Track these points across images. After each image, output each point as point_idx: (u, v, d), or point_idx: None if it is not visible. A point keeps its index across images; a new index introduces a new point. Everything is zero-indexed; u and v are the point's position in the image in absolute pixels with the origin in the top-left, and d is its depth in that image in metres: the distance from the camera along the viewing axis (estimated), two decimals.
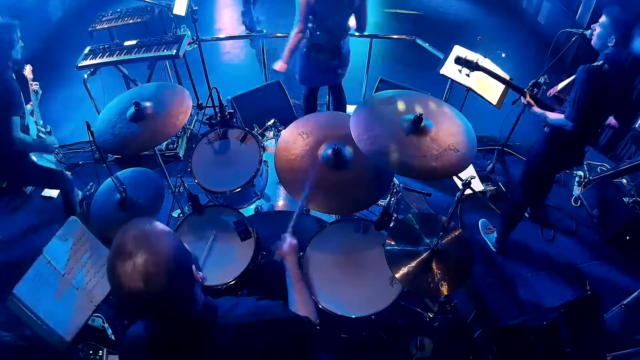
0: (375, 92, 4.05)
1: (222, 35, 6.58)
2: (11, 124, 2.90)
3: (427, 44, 4.30)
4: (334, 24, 3.30)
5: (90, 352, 2.52)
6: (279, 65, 3.45)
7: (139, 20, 4.89)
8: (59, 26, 6.83)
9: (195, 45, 4.42)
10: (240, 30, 6.83)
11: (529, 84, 3.52)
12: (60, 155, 4.13)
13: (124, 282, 1.10)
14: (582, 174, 4.06)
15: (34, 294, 2.37)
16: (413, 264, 2.24)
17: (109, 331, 2.78)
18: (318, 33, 3.34)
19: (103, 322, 2.75)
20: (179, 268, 1.17)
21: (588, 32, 3.15)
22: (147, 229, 1.19)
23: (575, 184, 4.06)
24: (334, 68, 3.57)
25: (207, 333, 1.29)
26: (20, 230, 3.90)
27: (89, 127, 2.34)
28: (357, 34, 3.55)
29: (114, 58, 4.14)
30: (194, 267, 1.25)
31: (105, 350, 2.56)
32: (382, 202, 2.66)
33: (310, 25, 3.34)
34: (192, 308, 1.25)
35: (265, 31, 6.54)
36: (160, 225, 1.23)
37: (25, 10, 5.79)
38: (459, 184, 2.27)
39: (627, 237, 3.53)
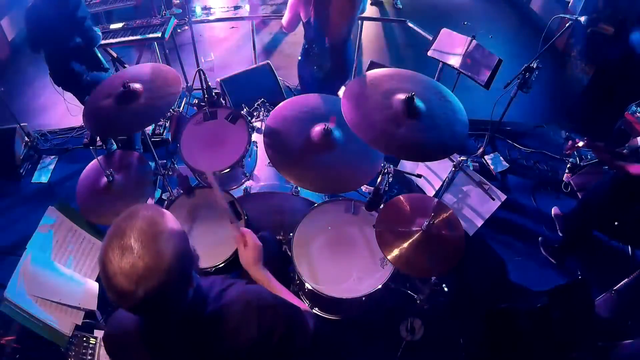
0: None
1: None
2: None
3: (418, 27, 4.26)
4: None
5: (84, 338, 2.50)
6: None
7: (129, 3, 4.82)
8: None
9: (186, 27, 4.37)
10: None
11: (522, 69, 3.53)
12: None
13: (115, 278, 1.03)
14: (573, 160, 4.07)
15: (26, 293, 2.33)
16: (404, 245, 2.23)
17: (99, 316, 2.76)
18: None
19: None
20: (177, 277, 1.10)
21: (583, 19, 3.14)
22: (157, 227, 1.09)
23: (566, 170, 4.06)
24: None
25: (197, 322, 1.24)
26: (9, 217, 3.87)
27: None
28: None
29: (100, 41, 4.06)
30: (193, 272, 1.18)
31: (98, 338, 2.53)
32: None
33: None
34: (181, 304, 1.18)
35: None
36: (170, 223, 1.13)
37: None
38: (450, 165, 2.25)
39: (616, 223, 3.55)
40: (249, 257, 1.66)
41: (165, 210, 1.17)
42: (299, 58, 3.38)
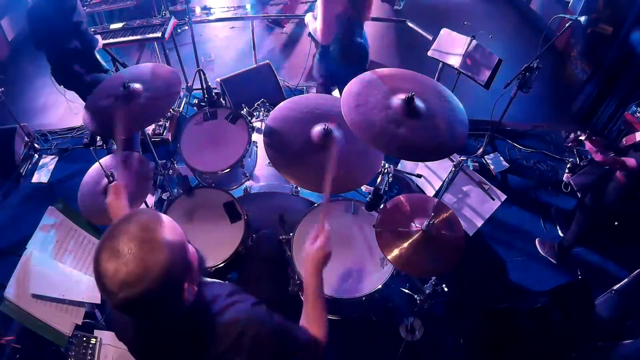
0: None
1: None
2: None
3: (417, 27, 4.26)
4: None
5: (84, 338, 2.50)
6: None
7: (129, 3, 4.82)
8: None
9: (186, 27, 4.37)
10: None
11: (522, 69, 3.53)
12: None
13: (102, 279, 1.03)
14: (573, 160, 4.07)
15: (26, 293, 2.34)
16: (404, 245, 2.23)
17: (99, 316, 2.76)
18: None
19: (93, 307, 2.73)
20: (164, 288, 1.05)
21: (583, 19, 3.13)
22: (149, 235, 1.06)
23: (566, 170, 4.06)
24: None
25: (193, 330, 1.23)
26: (9, 217, 3.88)
27: None
28: None
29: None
30: (186, 284, 1.14)
31: (99, 338, 2.53)
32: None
33: None
34: (171, 311, 1.16)
35: None
36: (166, 232, 1.08)
37: None
38: (450, 165, 2.25)
39: (616, 223, 3.55)
40: (319, 258, 1.66)
41: (164, 217, 1.13)
42: (319, 58, 3.35)
